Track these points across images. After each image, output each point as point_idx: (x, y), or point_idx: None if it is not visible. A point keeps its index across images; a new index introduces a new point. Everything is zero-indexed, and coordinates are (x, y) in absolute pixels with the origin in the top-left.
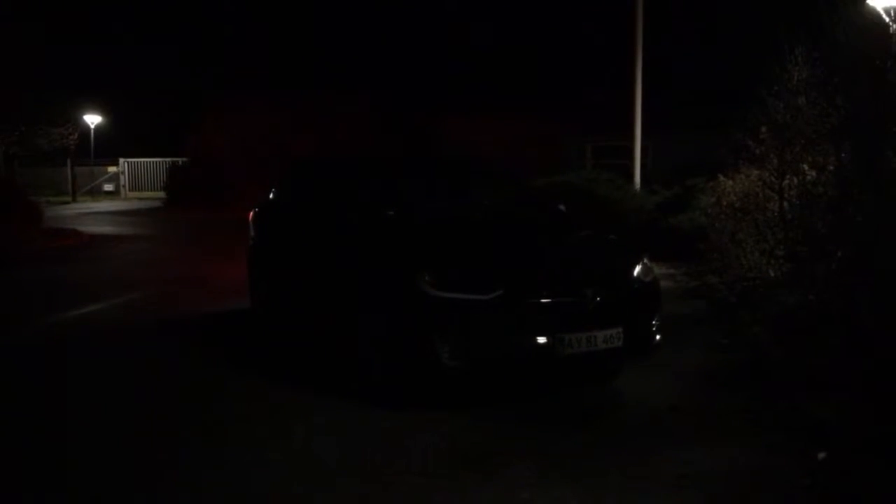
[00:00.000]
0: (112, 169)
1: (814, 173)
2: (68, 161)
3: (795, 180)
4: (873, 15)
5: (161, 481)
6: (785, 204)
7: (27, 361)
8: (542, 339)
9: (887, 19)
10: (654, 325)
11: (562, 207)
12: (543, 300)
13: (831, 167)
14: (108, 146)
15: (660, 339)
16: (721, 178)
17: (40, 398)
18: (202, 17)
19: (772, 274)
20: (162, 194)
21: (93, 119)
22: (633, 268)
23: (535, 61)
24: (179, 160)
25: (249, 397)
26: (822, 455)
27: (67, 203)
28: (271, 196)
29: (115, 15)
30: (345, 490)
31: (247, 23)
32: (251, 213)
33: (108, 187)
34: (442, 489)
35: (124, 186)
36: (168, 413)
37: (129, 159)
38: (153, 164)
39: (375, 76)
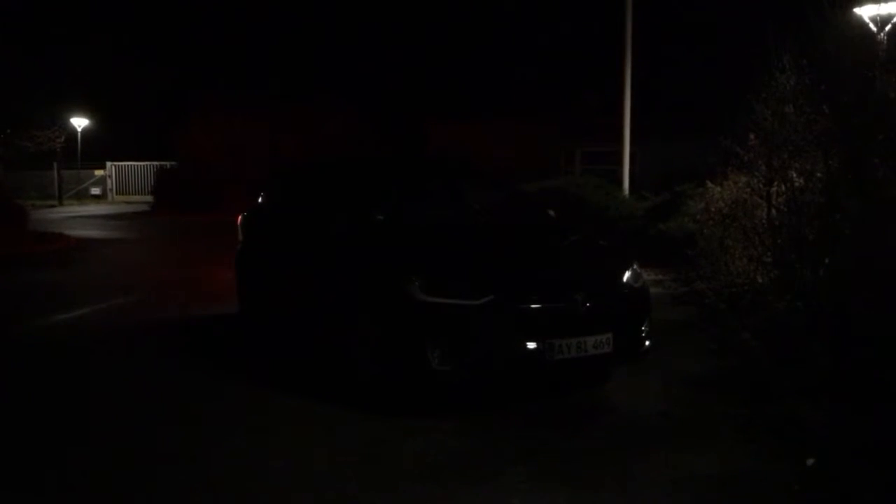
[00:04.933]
0: (99, 172)
1: (801, 180)
2: (54, 164)
3: (783, 187)
4: (860, 23)
5: (154, 484)
6: (773, 210)
7: (11, 366)
8: (532, 345)
9: (874, 28)
10: (643, 331)
11: (551, 213)
12: (533, 306)
13: (819, 174)
14: (95, 149)
15: (649, 345)
16: (709, 184)
17: (26, 402)
18: (191, 20)
19: (760, 280)
20: (149, 198)
21: (80, 122)
22: (623, 274)
23: (525, 66)
24: (167, 163)
25: (236, 402)
26: (811, 461)
27: (54, 207)
28: (260, 200)
29: (103, 17)
30: (332, 496)
31: (236, 25)
32: (240, 218)
33: (95, 191)
34: (432, 495)
35: (111, 190)
36: (157, 416)
37: (117, 163)
38: (140, 168)
39: (366, 79)
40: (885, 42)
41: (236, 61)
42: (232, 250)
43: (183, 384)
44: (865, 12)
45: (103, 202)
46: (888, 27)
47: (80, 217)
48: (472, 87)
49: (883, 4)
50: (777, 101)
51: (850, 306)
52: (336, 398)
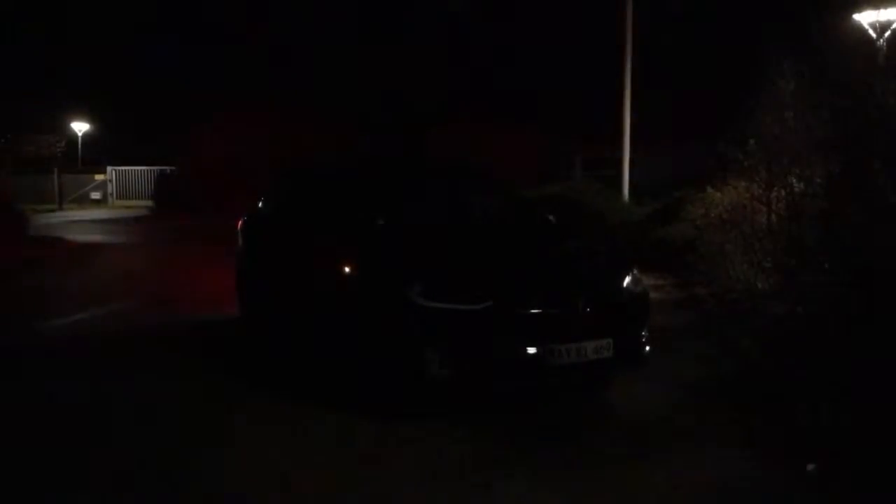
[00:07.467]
0: (99, 177)
1: (801, 186)
2: (55, 169)
3: (783, 192)
4: (859, 29)
5: (154, 484)
6: (773, 216)
7: (9, 369)
8: (531, 350)
9: (873, 34)
10: (643, 337)
11: (552, 218)
12: (533, 311)
13: (819, 180)
14: (95, 154)
15: (649, 351)
16: (709, 189)
17: (25, 404)
18: (192, 23)
19: (760, 285)
20: (150, 203)
21: (80, 127)
22: (623, 279)
23: (526, 71)
24: (167, 168)
25: (235, 404)
26: (811, 466)
27: (53, 211)
28: (260, 204)
29: (104, 20)
30: (335, 502)
31: (237, 28)
32: (240, 222)
33: (96, 195)
34: (431, 498)
35: (111, 195)
36: (157, 417)
37: (117, 167)
38: (141, 173)
39: (368, 83)
40: (885, 48)
41: (237, 66)
42: (232, 255)
43: (182, 387)
44: (864, 18)
45: (104, 207)
46: (887, 33)
47: (80, 222)
48: (472, 93)
49: (882, 11)
50: (777, 107)
51: (851, 311)
52: (335, 402)
